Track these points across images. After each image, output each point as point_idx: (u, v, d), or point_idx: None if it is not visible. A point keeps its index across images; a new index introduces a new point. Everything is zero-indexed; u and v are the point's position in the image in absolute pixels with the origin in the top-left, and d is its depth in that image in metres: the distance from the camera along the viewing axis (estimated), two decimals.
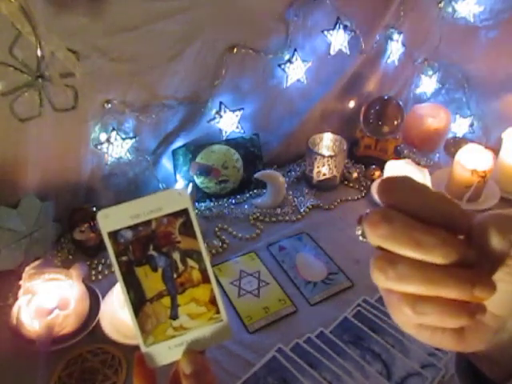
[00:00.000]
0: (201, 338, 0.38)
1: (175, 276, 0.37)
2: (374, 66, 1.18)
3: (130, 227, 0.36)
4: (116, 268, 0.36)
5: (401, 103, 1.17)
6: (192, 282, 0.38)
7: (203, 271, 0.38)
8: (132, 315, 0.37)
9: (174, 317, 0.37)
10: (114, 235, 0.36)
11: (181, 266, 0.37)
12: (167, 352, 0.37)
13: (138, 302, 0.37)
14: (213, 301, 0.38)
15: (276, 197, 1.05)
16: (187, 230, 0.37)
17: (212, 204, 1.05)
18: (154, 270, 0.37)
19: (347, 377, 0.70)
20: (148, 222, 0.36)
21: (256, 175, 1.04)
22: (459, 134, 1.27)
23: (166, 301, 0.37)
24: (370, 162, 1.16)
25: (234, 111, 1.00)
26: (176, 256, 0.37)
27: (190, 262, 0.37)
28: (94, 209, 0.90)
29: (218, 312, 0.38)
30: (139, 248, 0.37)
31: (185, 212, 0.37)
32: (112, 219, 0.36)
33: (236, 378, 0.71)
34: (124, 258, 0.36)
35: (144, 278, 0.37)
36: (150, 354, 0.37)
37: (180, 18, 0.83)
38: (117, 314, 0.76)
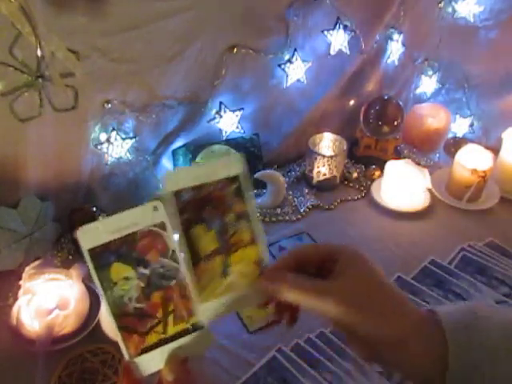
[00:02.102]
0: (183, 347, 0.39)
1: (228, 236, 0.40)
2: (374, 66, 1.18)
3: (191, 188, 0.39)
4: (177, 225, 0.38)
5: (401, 103, 1.17)
6: (243, 243, 0.40)
7: (253, 233, 0.41)
8: (190, 271, 0.39)
9: (225, 275, 0.40)
10: (176, 194, 0.38)
11: (233, 228, 0.40)
12: (153, 361, 0.38)
13: (195, 258, 0.39)
14: (260, 262, 0.41)
15: (276, 197, 1.05)
16: (240, 194, 0.40)
17: None
18: (209, 229, 0.39)
19: (347, 377, 0.70)
20: (206, 185, 0.39)
21: (256, 175, 1.04)
22: (459, 134, 1.27)
23: (219, 259, 0.40)
24: (370, 162, 1.16)
25: (234, 111, 1.00)
26: (229, 218, 0.40)
27: (242, 224, 0.40)
28: (94, 209, 0.90)
29: (262, 272, 0.41)
30: (197, 208, 0.39)
31: (237, 178, 0.40)
32: (176, 179, 0.39)
33: (236, 378, 0.71)
34: (184, 216, 0.39)
35: (200, 236, 0.39)
36: (136, 364, 0.38)
37: (180, 18, 0.83)
38: None
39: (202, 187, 0.39)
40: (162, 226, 0.38)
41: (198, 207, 0.39)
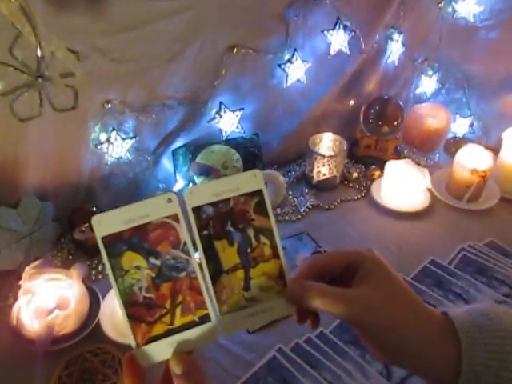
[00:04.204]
0: (189, 339, 0.39)
1: (249, 251, 0.41)
2: (374, 66, 1.18)
3: (211, 203, 0.40)
4: (198, 241, 0.39)
5: (401, 103, 1.17)
6: (263, 257, 0.41)
7: (274, 247, 0.41)
8: (209, 285, 0.39)
9: (247, 288, 0.41)
10: (197, 210, 0.39)
11: (254, 242, 0.41)
12: (158, 351, 0.38)
13: (216, 273, 0.40)
14: (281, 275, 0.41)
15: (276, 197, 1.05)
16: (261, 209, 0.41)
17: None
18: (231, 244, 0.40)
19: (347, 377, 0.70)
20: (227, 201, 0.40)
21: None
22: (459, 134, 1.27)
23: (240, 273, 0.41)
24: (370, 162, 1.16)
25: (234, 111, 1.00)
26: (250, 232, 0.41)
27: (263, 239, 0.41)
28: (94, 209, 0.90)
29: (284, 285, 0.41)
30: (218, 223, 0.40)
31: (259, 193, 0.41)
32: (196, 195, 0.39)
33: (236, 378, 0.71)
34: (205, 232, 0.39)
35: (222, 251, 0.40)
36: (142, 353, 0.38)
37: (180, 18, 0.83)
38: (117, 314, 0.76)
39: (223, 203, 0.40)
40: (176, 217, 0.38)
41: (219, 223, 0.40)
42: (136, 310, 0.38)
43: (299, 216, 1.03)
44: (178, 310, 0.39)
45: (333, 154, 1.09)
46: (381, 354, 0.41)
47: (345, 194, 1.10)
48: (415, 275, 0.89)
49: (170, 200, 0.38)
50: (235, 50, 0.93)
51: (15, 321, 0.73)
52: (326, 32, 1.02)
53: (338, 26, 1.02)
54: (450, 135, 1.26)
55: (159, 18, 0.81)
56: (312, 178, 1.10)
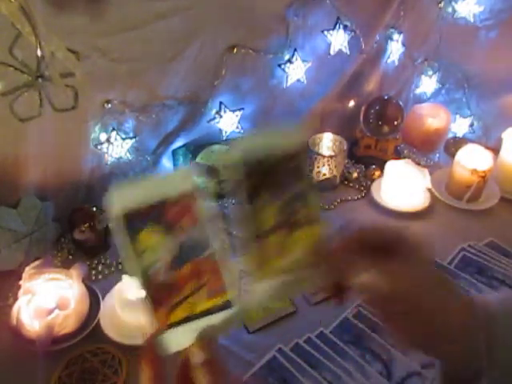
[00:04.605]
0: (212, 325, 0.36)
1: (287, 215, 0.38)
2: (374, 66, 1.18)
3: (256, 158, 0.37)
4: (243, 193, 0.37)
5: (401, 103, 1.17)
6: (301, 222, 0.38)
7: (311, 213, 0.39)
8: (234, 265, 0.37)
9: (283, 253, 0.38)
10: (243, 161, 0.37)
11: (292, 206, 0.38)
12: (178, 339, 0.35)
13: (250, 237, 0.37)
14: (319, 245, 0.39)
15: None
16: (299, 174, 0.38)
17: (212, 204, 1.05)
18: (271, 202, 0.37)
19: (347, 377, 0.70)
20: (270, 157, 0.37)
21: None
22: (459, 134, 1.27)
23: (278, 237, 0.38)
24: (370, 162, 1.16)
25: (234, 111, 1.00)
26: (289, 196, 0.38)
27: (301, 203, 0.38)
28: (94, 209, 0.90)
29: (322, 256, 0.39)
30: (262, 178, 0.37)
31: (297, 156, 0.37)
32: (242, 146, 0.37)
33: None
34: (250, 181, 0.37)
35: (261, 209, 0.37)
36: (162, 339, 0.35)
37: (180, 18, 0.83)
38: (117, 314, 0.76)
39: (267, 159, 0.37)
40: (194, 195, 0.35)
41: (263, 177, 0.37)
42: (154, 292, 0.34)
43: None
44: (200, 294, 0.35)
45: (333, 154, 1.09)
46: (410, 339, 0.40)
47: (345, 194, 1.10)
48: None
49: (188, 176, 0.35)
50: (235, 50, 0.93)
51: (15, 321, 0.73)
52: (326, 32, 1.02)
53: (337, 26, 1.02)
54: (450, 135, 1.26)
55: (159, 18, 0.81)
56: (312, 178, 1.10)
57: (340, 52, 1.05)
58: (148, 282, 0.34)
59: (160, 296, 0.34)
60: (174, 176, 0.36)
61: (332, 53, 1.05)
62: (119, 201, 0.35)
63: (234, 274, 0.37)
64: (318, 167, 1.08)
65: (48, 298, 0.74)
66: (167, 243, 0.34)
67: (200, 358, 0.35)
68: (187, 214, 0.35)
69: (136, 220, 0.34)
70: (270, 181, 0.37)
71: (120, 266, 0.89)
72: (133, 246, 0.34)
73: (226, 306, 0.36)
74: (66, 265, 0.83)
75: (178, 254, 0.35)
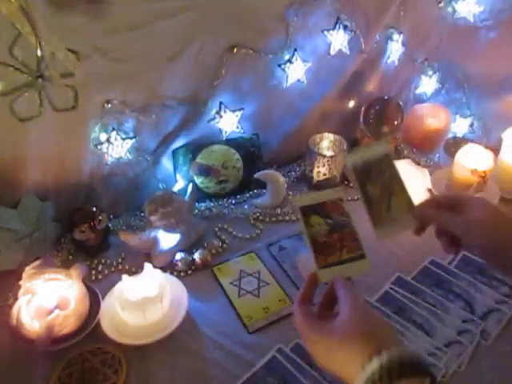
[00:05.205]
0: (351, 268, 0.57)
1: (387, 188, 0.63)
2: (374, 66, 1.18)
3: (363, 162, 0.64)
4: (357, 186, 0.63)
5: (401, 103, 1.17)
6: (395, 191, 0.63)
7: (401, 186, 0.64)
8: (367, 207, 0.62)
9: (389, 209, 0.62)
10: (354, 166, 0.64)
11: (389, 183, 0.63)
12: (330, 273, 0.56)
13: (369, 201, 0.63)
14: (410, 202, 0.62)
15: (276, 197, 1.05)
16: (390, 166, 0.64)
17: (212, 204, 1.05)
18: (375, 186, 0.63)
19: None
20: (372, 160, 0.64)
21: (256, 175, 1.04)
22: (459, 134, 1.26)
23: (385, 202, 0.62)
24: None
25: (234, 111, 1.00)
26: (385, 178, 0.64)
27: (393, 181, 0.64)
28: (94, 209, 0.90)
29: (412, 209, 0.62)
30: (366, 175, 0.64)
31: (385, 159, 0.65)
32: (353, 156, 0.65)
33: (236, 378, 0.71)
34: (360, 180, 0.64)
35: (371, 190, 0.63)
36: (321, 272, 0.56)
37: (180, 18, 0.83)
38: (117, 314, 0.76)
39: (369, 161, 0.64)
40: (341, 199, 0.61)
41: (367, 175, 0.63)
42: (318, 247, 0.58)
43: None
44: (344, 250, 0.58)
45: (333, 154, 1.09)
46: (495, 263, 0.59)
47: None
48: (415, 275, 0.89)
49: (338, 191, 0.62)
50: (235, 50, 0.93)
51: (15, 321, 0.73)
52: (326, 32, 1.02)
53: (337, 26, 1.02)
54: (450, 135, 1.26)
55: (159, 17, 0.81)
56: (312, 177, 1.10)
57: (340, 52, 1.05)
58: (314, 241, 0.58)
59: (321, 249, 0.58)
60: (332, 191, 0.63)
61: (332, 53, 1.05)
62: (300, 201, 0.62)
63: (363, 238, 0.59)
64: (317, 167, 1.08)
65: (48, 298, 0.75)
66: (325, 222, 0.60)
67: (341, 279, 0.54)
68: (337, 209, 0.61)
69: (309, 210, 0.60)
70: (372, 175, 0.63)
71: (120, 266, 0.89)
72: (307, 223, 0.59)
73: (360, 257, 0.58)
74: (66, 265, 0.83)
75: (331, 228, 0.59)
